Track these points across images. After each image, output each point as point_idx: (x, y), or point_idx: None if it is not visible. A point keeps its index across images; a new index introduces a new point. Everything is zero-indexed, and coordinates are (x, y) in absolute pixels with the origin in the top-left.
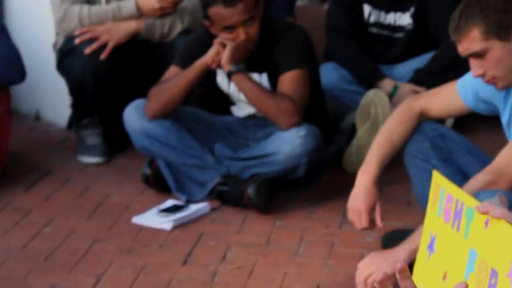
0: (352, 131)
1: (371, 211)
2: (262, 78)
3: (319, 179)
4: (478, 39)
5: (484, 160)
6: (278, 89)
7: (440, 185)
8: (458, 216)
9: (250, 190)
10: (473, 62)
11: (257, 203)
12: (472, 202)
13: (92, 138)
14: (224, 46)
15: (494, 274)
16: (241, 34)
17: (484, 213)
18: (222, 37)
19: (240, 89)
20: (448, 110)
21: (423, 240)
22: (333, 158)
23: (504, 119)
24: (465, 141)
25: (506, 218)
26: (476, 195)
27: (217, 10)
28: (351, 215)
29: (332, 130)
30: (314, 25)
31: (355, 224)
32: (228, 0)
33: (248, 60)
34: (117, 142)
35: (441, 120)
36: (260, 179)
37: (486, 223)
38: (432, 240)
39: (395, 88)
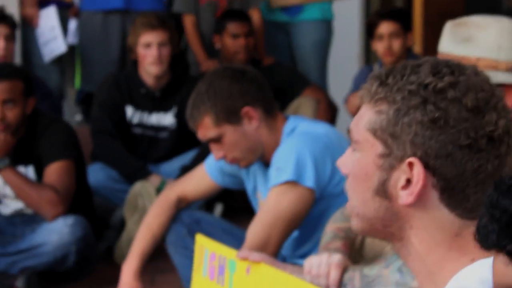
0: (122, 225)
1: None
2: (28, 171)
3: (91, 272)
4: (211, 126)
5: (241, 236)
6: (43, 180)
7: (204, 246)
8: (222, 271)
9: (19, 283)
10: (213, 147)
11: None
12: (233, 254)
13: None
14: None
15: None
16: None
17: (244, 259)
18: None
19: (6, 182)
20: (202, 191)
21: None
22: (104, 253)
23: (249, 189)
24: (220, 222)
25: (265, 260)
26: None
27: None
28: None
29: (101, 225)
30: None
31: None
32: None
33: (14, 153)
34: None
35: (210, 210)
36: (29, 272)
37: (247, 270)
38: None
39: (163, 183)
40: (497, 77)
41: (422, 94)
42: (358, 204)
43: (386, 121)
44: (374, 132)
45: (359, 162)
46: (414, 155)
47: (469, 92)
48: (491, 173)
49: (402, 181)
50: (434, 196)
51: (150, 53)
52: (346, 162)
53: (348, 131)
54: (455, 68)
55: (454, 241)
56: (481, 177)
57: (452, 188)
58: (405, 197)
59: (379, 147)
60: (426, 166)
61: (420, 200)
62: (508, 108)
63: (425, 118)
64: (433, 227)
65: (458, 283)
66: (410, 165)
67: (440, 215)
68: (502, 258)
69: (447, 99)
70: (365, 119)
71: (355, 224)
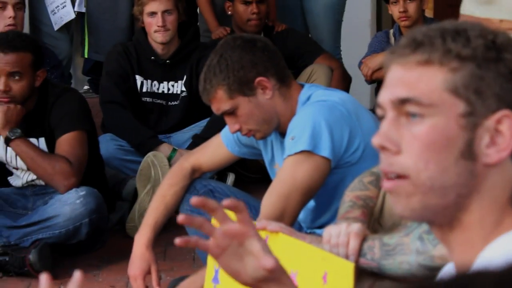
0: (134, 196)
1: (146, 275)
2: (40, 143)
3: (103, 244)
4: (225, 99)
5: (255, 206)
6: (56, 152)
7: None
8: None
9: (32, 256)
10: (228, 119)
11: (40, 268)
12: None
13: None
14: None
15: None
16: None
17: (262, 229)
18: None
19: (17, 154)
20: (218, 162)
21: (207, 275)
22: (116, 225)
23: (267, 160)
24: (235, 191)
25: (282, 230)
26: None
27: None
28: (131, 281)
29: (113, 197)
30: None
31: None
32: (3, 47)
33: (25, 125)
34: None
35: (223, 179)
36: (41, 244)
37: (266, 240)
38: (216, 272)
39: (174, 151)
40: None
41: (495, 47)
42: (435, 175)
43: (469, 77)
44: (455, 90)
45: (435, 128)
46: (498, 109)
47: None
48: None
49: (486, 139)
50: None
51: (155, 21)
52: (393, 137)
53: (402, 101)
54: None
55: (508, 202)
56: None
57: None
58: (494, 154)
59: (460, 106)
60: None
61: None
62: None
63: (506, 70)
64: (500, 186)
65: (495, 252)
66: (499, 120)
67: (509, 169)
68: None
69: None
70: (435, 80)
71: (417, 203)
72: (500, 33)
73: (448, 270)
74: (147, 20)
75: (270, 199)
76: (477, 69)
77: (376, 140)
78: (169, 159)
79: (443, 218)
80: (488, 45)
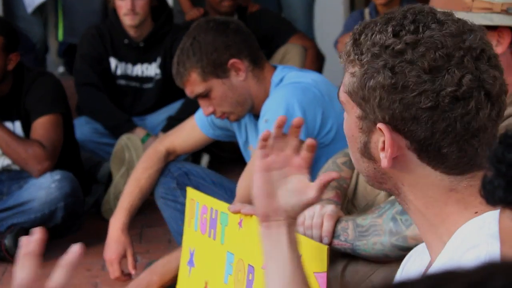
0: (109, 179)
1: (122, 259)
2: (16, 127)
3: (78, 228)
4: (198, 82)
5: (231, 189)
6: (31, 135)
7: (195, 199)
8: (214, 225)
9: (7, 241)
10: (201, 102)
11: (15, 253)
12: (224, 207)
13: None
14: None
15: (251, 270)
16: None
17: (236, 212)
18: None
19: None
20: (192, 144)
21: (182, 258)
22: (92, 208)
23: (241, 142)
24: (210, 173)
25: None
26: None
27: None
28: (107, 265)
29: (89, 180)
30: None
31: (110, 274)
32: None
33: (0, 109)
34: None
35: (197, 160)
36: (17, 229)
37: (240, 223)
38: (192, 255)
39: (147, 136)
40: (492, 18)
41: (383, 57)
42: (355, 162)
43: (357, 84)
44: (350, 95)
45: (346, 123)
46: (383, 119)
47: (428, 51)
48: (462, 131)
49: (380, 143)
50: (412, 156)
51: (124, 5)
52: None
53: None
54: (424, 20)
55: (449, 196)
56: (452, 136)
57: (427, 149)
58: (383, 160)
59: (357, 110)
60: (396, 129)
61: (399, 162)
62: (487, 56)
63: (387, 82)
64: (423, 184)
65: (464, 237)
66: (381, 130)
67: (426, 173)
68: (509, 214)
69: (405, 61)
70: (345, 80)
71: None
72: (409, 38)
73: (420, 249)
74: (117, 3)
75: (245, 182)
76: (362, 78)
77: None
78: (142, 142)
79: (395, 197)
80: (377, 54)
